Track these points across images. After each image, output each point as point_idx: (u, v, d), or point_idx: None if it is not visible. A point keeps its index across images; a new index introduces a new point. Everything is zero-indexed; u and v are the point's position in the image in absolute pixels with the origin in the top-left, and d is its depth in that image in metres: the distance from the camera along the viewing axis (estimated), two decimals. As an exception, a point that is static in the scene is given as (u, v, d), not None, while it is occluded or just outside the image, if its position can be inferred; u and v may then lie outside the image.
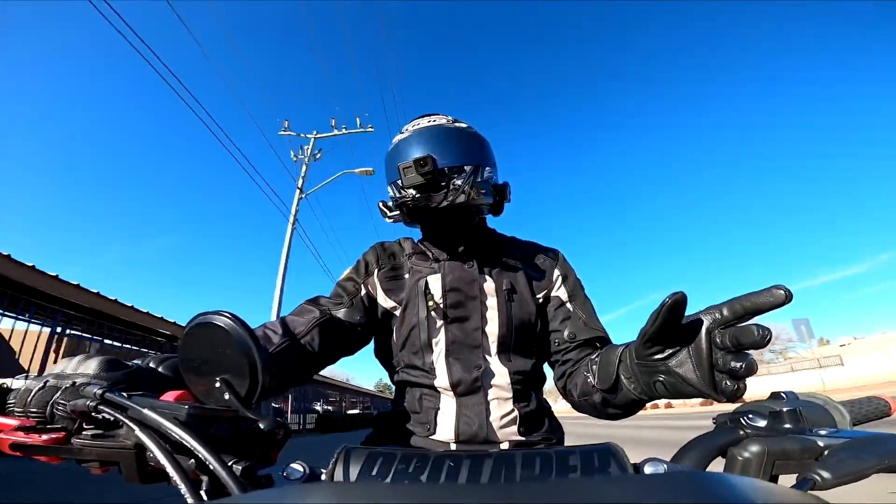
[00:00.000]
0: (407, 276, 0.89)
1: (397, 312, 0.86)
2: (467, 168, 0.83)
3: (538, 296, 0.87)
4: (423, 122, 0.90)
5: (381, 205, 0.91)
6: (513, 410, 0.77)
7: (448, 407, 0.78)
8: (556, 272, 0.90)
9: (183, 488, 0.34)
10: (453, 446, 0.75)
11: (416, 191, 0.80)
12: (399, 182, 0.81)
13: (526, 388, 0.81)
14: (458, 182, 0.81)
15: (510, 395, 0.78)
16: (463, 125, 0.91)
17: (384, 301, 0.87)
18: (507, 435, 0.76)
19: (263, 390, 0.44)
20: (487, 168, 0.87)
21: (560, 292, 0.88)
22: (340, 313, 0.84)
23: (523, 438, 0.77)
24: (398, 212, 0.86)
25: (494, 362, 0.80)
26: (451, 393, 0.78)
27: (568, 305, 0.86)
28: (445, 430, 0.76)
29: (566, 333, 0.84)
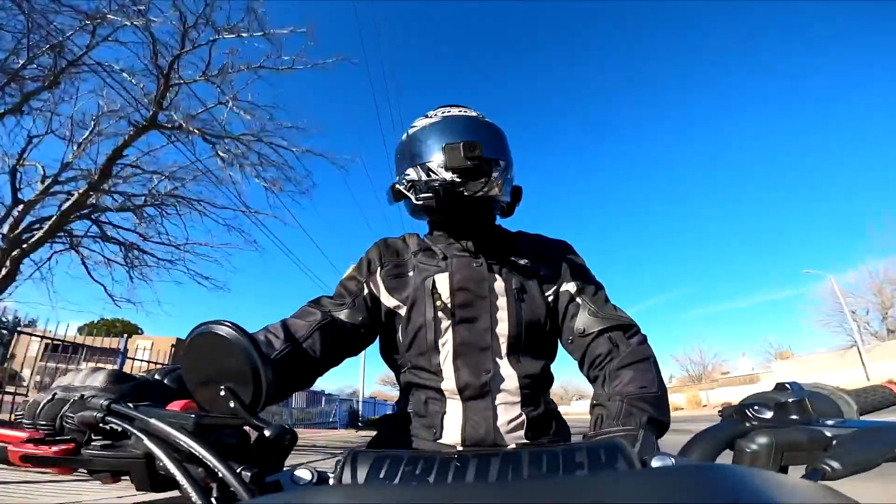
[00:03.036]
0: (412, 273, 0.86)
1: (402, 312, 0.83)
2: (501, 163, 0.83)
3: (547, 294, 0.85)
4: (455, 111, 0.89)
5: (398, 188, 0.87)
6: (520, 415, 0.76)
7: (455, 411, 0.76)
8: (565, 266, 0.87)
9: (193, 496, 0.34)
10: (459, 448, 0.74)
11: (457, 175, 0.78)
12: (433, 163, 0.81)
13: (534, 392, 0.79)
14: (495, 174, 0.80)
15: (518, 399, 0.76)
16: (491, 122, 0.91)
17: (387, 300, 0.85)
18: (515, 439, 0.75)
19: (268, 397, 0.44)
20: (512, 167, 0.87)
21: (569, 286, 0.85)
22: (342, 314, 0.81)
23: (530, 442, 0.76)
24: (430, 194, 0.81)
25: (504, 365, 0.78)
26: (458, 397, 0.76)
27: (577, 299, 0.84)
28: (452, 434, 0.75)
29: (577, 328, 0.81)
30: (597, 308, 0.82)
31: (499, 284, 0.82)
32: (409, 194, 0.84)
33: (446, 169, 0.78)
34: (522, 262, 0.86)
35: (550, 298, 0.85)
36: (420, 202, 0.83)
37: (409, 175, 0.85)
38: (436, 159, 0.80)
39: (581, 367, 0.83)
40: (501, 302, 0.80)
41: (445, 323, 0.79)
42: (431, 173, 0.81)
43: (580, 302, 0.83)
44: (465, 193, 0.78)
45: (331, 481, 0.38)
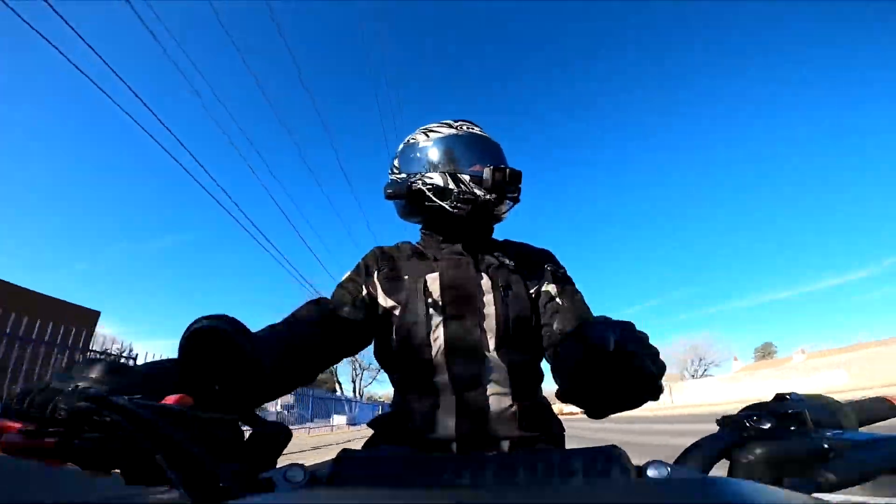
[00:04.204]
0: (406, 277, 0.90)
1: (397, 312, 0.86)
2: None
3: (531, 291, 0.89)
4: (477, 130, 0.95)
5: (418, 187, 0.89)
6: (512, 405, 0.78)
7: (448, 404, 0.78)
8: (547, 268, 0.93)
9: (185, 491, 0.33)
10: (454, 443, 0.75)
11: (493, 195, 0.85)
12: (465, 176, 0.86)
13: (524, 384, 0.81)
14: (512, 199, 0.90)
15: (509, 389, 0.79)
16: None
17: (384, 301, 0.88)
18: (508, 430, 0.76)
19: (264, 393, 0.44)
20: None
21: (550, 287, 0.89)
22: (344, 312, 0.84)
23: (524, 434, 0.77)
24: (466, 206, 0.86)
25: (493, 358, 0.80)
26: (451, 389, 0.78)
27: (557, 300, 0.87)
28: (446, 427, 0.76)
29: (555, 326, 0.84)
30: (576, 310, 0.86)
31: (486, 282, 0.86)
32: (433, 197, 0.88)
33: (483, 187, 0.85)
34: (507, 263, 0.91)
35: (534, 296, 0.89)
36: (455, 210, 0.87)
37: (431, 179, 0.88)
38: (470, 173, 0.86)
39: (552, 364, 0.87)
40: (488, 298, 0.84)
41: (437, 319, 0.82)
42: (461, 184, 0.86)
43: (559, 303, 0.87)
44: (494, 212, 0.87)
45: (323, 481, 0.38)
